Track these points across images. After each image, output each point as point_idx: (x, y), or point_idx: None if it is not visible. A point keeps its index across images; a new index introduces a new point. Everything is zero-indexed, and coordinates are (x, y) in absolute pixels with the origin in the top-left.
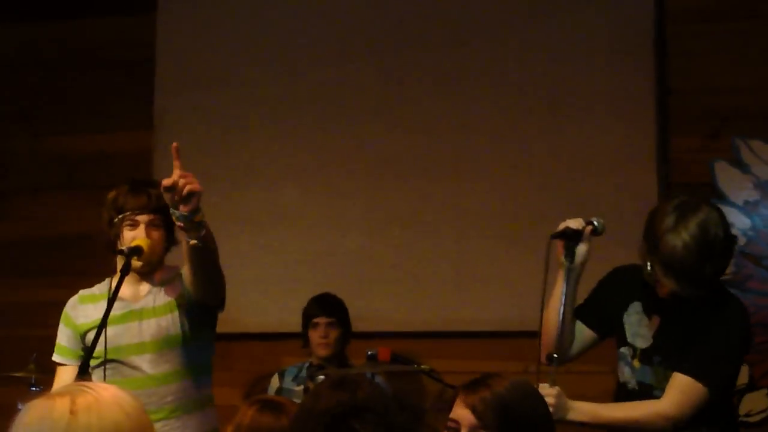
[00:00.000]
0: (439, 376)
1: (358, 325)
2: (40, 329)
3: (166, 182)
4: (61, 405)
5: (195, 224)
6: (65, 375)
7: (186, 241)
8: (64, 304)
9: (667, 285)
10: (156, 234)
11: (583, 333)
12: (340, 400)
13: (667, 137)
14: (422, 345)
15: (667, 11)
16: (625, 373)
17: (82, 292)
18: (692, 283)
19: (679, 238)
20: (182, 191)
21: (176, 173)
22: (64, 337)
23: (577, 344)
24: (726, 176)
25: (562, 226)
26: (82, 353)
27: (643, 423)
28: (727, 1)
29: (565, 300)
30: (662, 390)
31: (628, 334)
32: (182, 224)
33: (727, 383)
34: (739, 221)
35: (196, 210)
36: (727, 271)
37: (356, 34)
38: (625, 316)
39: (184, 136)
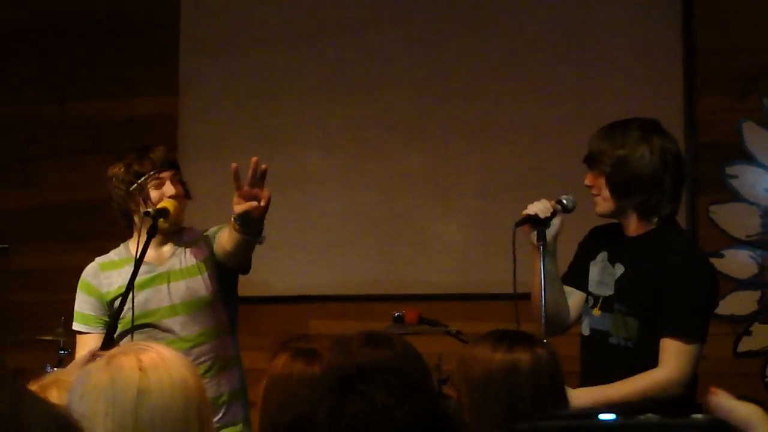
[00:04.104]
0: (467, 338)
1: (385, 287)
2: (68, 293)
3: (242, 209)
4: (129, 363)
5: (261, 228)
6: (89, 343)
7: (239, 234)
8: None
9: (628, 206)
10: (180, 190)
11: (573, 297)
12: (374, 358)
13: (694, 97)
14: (450, 307)
15: None
16: (583, 324)
17: (99, 259)
18: (655, 194)
19: (646, 147)
20: (262, 208)
21: (246, 192)
22: (86, 305)
23: (573, 310)
24: (754, 136)
25: (527, 210)
26: (108, 320)
27: (652, 393)
28: None
29: (545, 280)
30: (618, 337)
31: (591, 283)
32: (249, 232)
33: (707, 330)
34: (766, 181)
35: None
36: (753, 231)
37: (378, 1)
38: (591, 264)
39: (210, 101)
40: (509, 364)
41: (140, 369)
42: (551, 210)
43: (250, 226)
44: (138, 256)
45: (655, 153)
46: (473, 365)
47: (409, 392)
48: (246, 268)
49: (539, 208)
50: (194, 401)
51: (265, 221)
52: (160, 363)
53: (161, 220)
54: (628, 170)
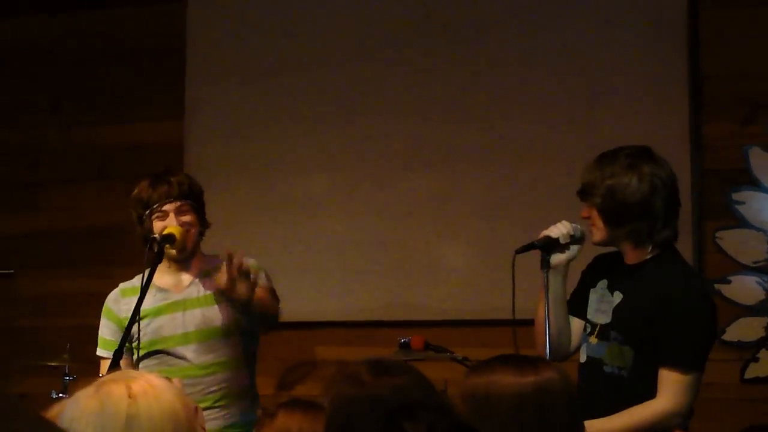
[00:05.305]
0: (473, 365)
1: (390, 313)
2: (73, 319)
3: (221, 285)
4: (118, 390)
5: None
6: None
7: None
8: (96, 294)
9: (622, 234)
10: (186, 219)
11: (575, 325)
12: (394, 387)
13: (700, 123)
14: (456, 333)
15: None
16: (581, 350)
17: (122, 285)
18: (646, 221)
19: (634, 175)
20: (243, 285)
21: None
22: (107, 330)
23: (574, 337)
24: (760, 162)
25: (549, 233)
26: (128, 345)
27: (651, 424)
28: None
29: (548, 309)
30: (612, 366)
31: (589, 311)
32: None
33: (706, 359)
34: None
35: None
36: (760, 257)
37: (382, 26)
38: (591, 292)
39: (215, 126)
40: (540, 386)
41: (129, 396)
42: (571, 233)
43: (235, 304)
44: (144, 282)
45: (643, 180)
46: (499, 391)
47: (456, 430)
48: (271, 327)
49: (562, 232)
50: (183, 430)
51: (274, 253)
52: (150, 391)
53: (167, 246)
54: (617, 199)
